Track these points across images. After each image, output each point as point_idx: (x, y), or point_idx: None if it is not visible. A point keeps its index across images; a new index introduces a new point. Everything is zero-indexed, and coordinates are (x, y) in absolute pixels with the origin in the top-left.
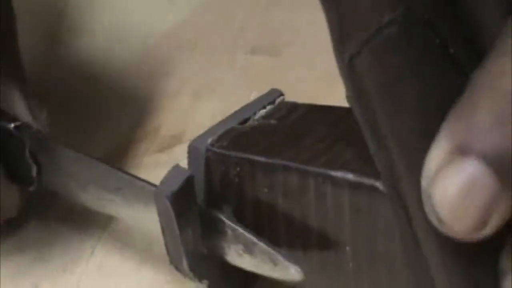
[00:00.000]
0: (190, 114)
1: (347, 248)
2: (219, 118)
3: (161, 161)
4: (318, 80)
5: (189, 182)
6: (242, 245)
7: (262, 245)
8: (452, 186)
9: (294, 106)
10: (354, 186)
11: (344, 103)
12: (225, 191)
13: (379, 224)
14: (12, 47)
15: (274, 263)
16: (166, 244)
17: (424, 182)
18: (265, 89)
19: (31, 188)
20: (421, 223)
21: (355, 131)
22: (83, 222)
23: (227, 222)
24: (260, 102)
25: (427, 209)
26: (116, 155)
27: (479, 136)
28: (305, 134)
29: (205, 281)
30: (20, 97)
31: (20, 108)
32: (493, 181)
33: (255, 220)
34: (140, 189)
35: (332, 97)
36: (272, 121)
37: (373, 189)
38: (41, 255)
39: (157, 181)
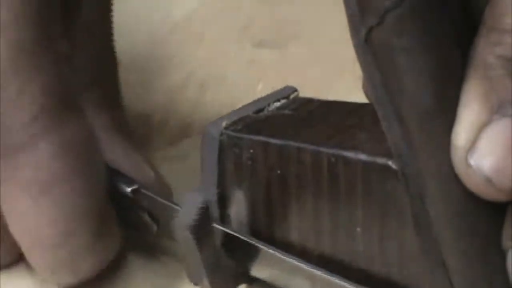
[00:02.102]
0: (198, 106)
1: (358, 229)
2: (227, 110)
3: (170, 155)
4: (324, 73)
5: (204, 207)
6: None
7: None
8: (499, 144)
9: (308, 100)
10: (366, 166)
11: (349, 96)
12: (238, 174)
13: (391, 204)
14: (115, 87)
15: None
16: (186, 268)
17: (461, 149)
18: (271, 82)
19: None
20: (437, 198)
21: (367, 120)
22: None
23: (289, 260)
24: (274, 95)
25: (467, 176)
26: None
27: None
28: (318, 121)
29: None
30: (128, 150)
31: (128, 163)
32: None
33: (267, 202)
34: None
35: (338, 90)
36: (287, 111)
37: (386, 168)
38: None
39: (168, 177)
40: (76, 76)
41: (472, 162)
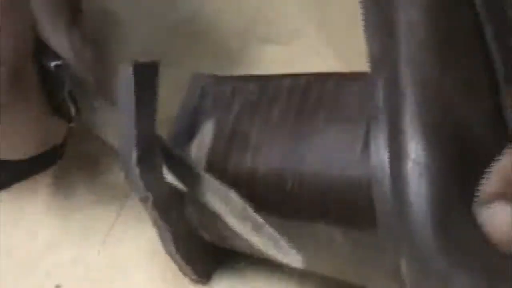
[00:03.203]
0: None
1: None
2: None
3: None
4: (330, 69)
5: (153, 68)
6: (250, 223)
7: (268, 228)
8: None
9: None
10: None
11: None
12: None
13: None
14: None
15: (278, 247)
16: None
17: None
18: None
19: (71, 125)
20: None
21: None
22: (94, 212)
23: (240, 203)
24: None
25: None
26: None
27: None
28: None
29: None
30: (65, 32)
31: (64, 44)
32: None
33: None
34: None
35: None
36: None
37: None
38: (52, 244)
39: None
40: None
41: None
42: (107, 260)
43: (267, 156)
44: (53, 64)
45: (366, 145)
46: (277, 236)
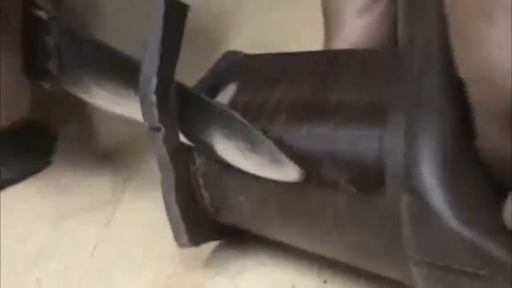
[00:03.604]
0: None
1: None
2: None
3: None
4: None
5: (184, 8)
6: (248, 143)
7: (268, 141)
8: None
9: None
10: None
11: None
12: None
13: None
14: None
15: (275, 161)
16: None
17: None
18: None
19: (47, 86)
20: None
21: None
22: (84, 218)
23: (238, 117)
24: None
25: None
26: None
27: None
28: None
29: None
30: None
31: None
32: None
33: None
34: None
35: None
36: None
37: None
38: (43, 251)
39: None
40: None
41: None
42: (98, 268)
43: (280, 123)
44: (45, 15)
45: (384, 108)
46: (277, 148)
